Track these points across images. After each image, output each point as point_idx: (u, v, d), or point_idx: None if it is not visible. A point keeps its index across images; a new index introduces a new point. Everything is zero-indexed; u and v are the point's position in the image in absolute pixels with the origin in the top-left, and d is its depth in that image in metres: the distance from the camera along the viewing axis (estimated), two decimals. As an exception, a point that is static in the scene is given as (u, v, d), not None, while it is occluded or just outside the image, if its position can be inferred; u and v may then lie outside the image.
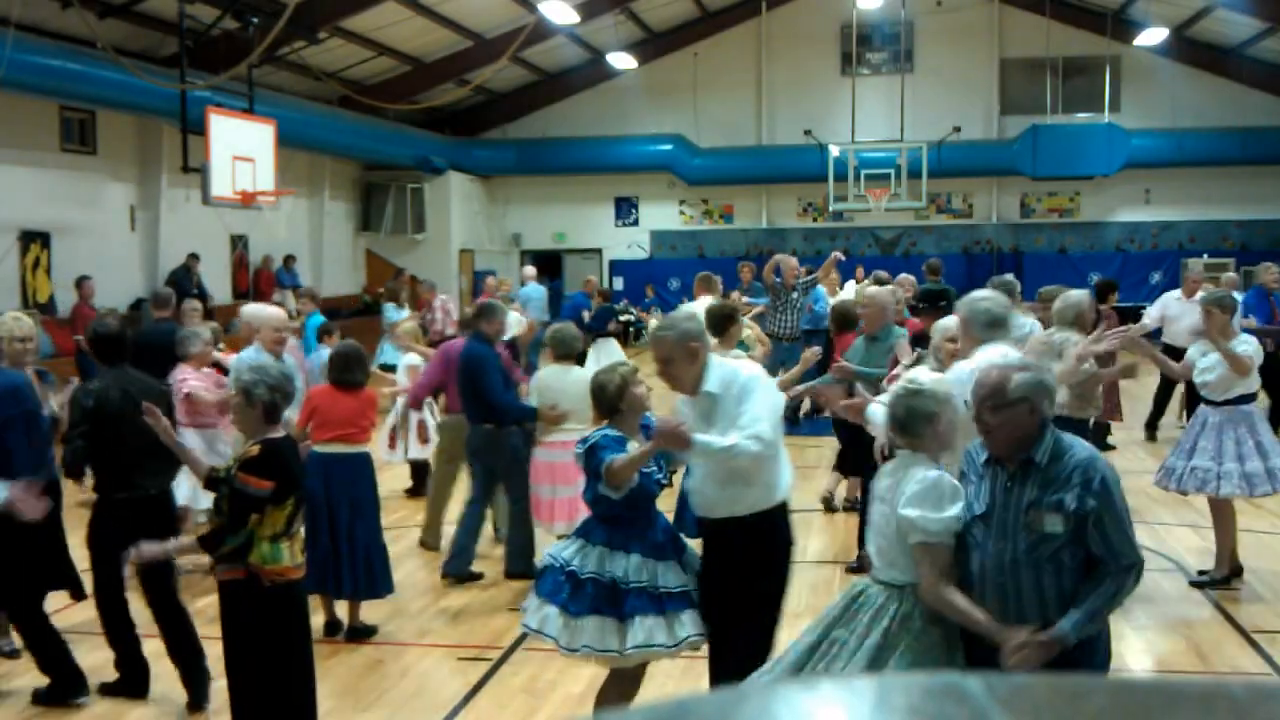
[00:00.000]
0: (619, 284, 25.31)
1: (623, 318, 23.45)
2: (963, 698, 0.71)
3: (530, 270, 17.51)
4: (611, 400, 4.56)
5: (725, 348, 7.17)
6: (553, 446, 7.01)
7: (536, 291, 16.65)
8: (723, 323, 7.52)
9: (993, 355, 4.44)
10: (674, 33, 24.40)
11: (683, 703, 0.74)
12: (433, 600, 7.12)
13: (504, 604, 7.04)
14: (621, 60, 23.14)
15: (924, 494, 3.58)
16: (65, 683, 5.50)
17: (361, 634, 6.47)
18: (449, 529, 7.96)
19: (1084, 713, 0.72)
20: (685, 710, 0.74)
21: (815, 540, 8.32)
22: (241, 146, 14.26)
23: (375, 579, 6.43)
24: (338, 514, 6.30)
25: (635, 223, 25.67)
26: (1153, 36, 21.49)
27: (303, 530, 4.63)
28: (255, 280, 19.66)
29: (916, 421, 3.71)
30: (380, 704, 5.54)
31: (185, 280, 16.56)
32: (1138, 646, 6.30)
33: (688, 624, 4.37)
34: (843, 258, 12.88)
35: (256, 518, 4.29)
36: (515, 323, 13.06)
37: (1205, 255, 22.90)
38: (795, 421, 11.81)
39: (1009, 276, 10.36)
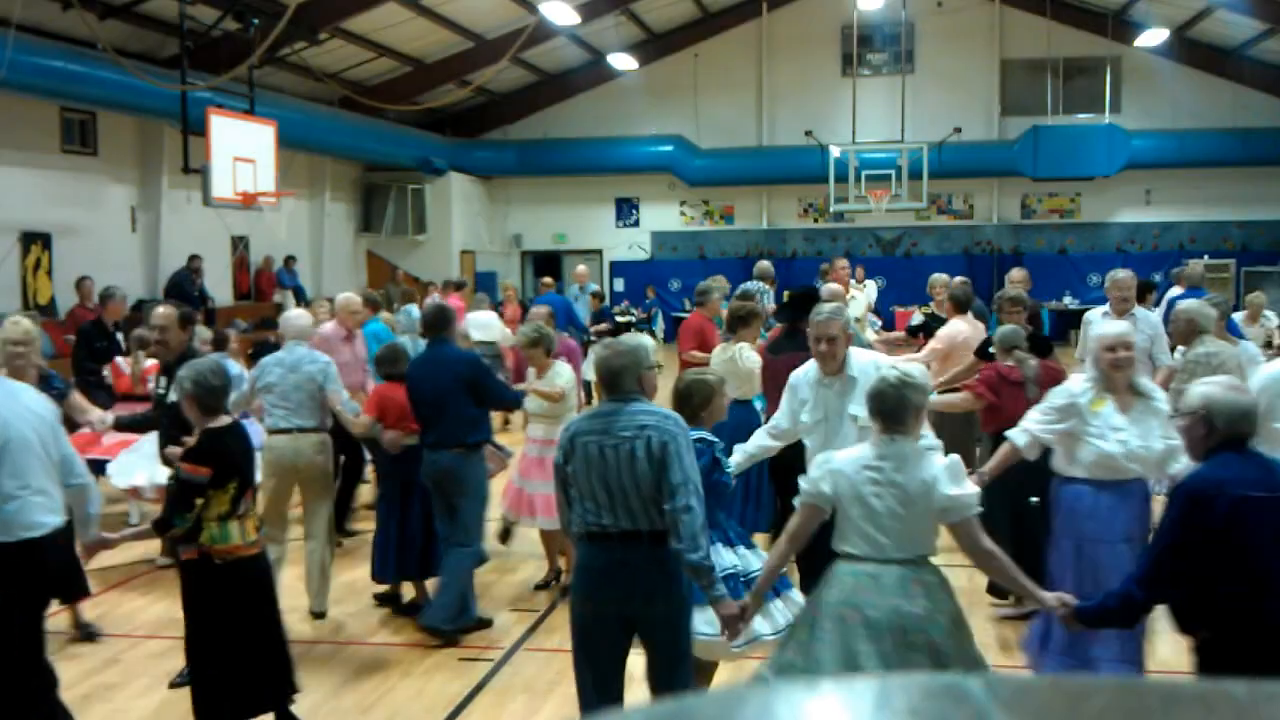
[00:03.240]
0: (620, 285, 25.32)
1: (622, 319, 23.50)
2: (963, 698, 0.71)
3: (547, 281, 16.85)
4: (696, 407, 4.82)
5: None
6: (546, 444, 6.92)
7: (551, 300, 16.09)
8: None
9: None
10: (675, 34, 24.40)
11: (683, 703, 0.74)
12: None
13: (505, 605, 7.04)
14: (622, 61, 23.14)
15: (954, 471, 3.90)
16: None
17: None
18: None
19: (1084, 713, 0.72)
20: (685, 710, 0.74)
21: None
22: (242, 147, 14.27)
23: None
24: (411, 501, 6.68)
25: (636, 224, 25.67)
26: (1153, 37, 21.49)
27: (255, 510, 4.90)
28: (256, 281, 19.67)
29: (906, 411, 3.94)
30: (381, 704, 5.55)
31: (187, 282, 16.57)
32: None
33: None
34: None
35: (201, 501, 4.61)
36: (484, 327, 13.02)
37: (1205, 256, 22.90)
38: None
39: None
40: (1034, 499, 6.18)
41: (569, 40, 22.08)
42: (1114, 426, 4.87)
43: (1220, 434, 3.57)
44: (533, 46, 20.32)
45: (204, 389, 4.73)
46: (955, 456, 4.00)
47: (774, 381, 6.34)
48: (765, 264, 12.47)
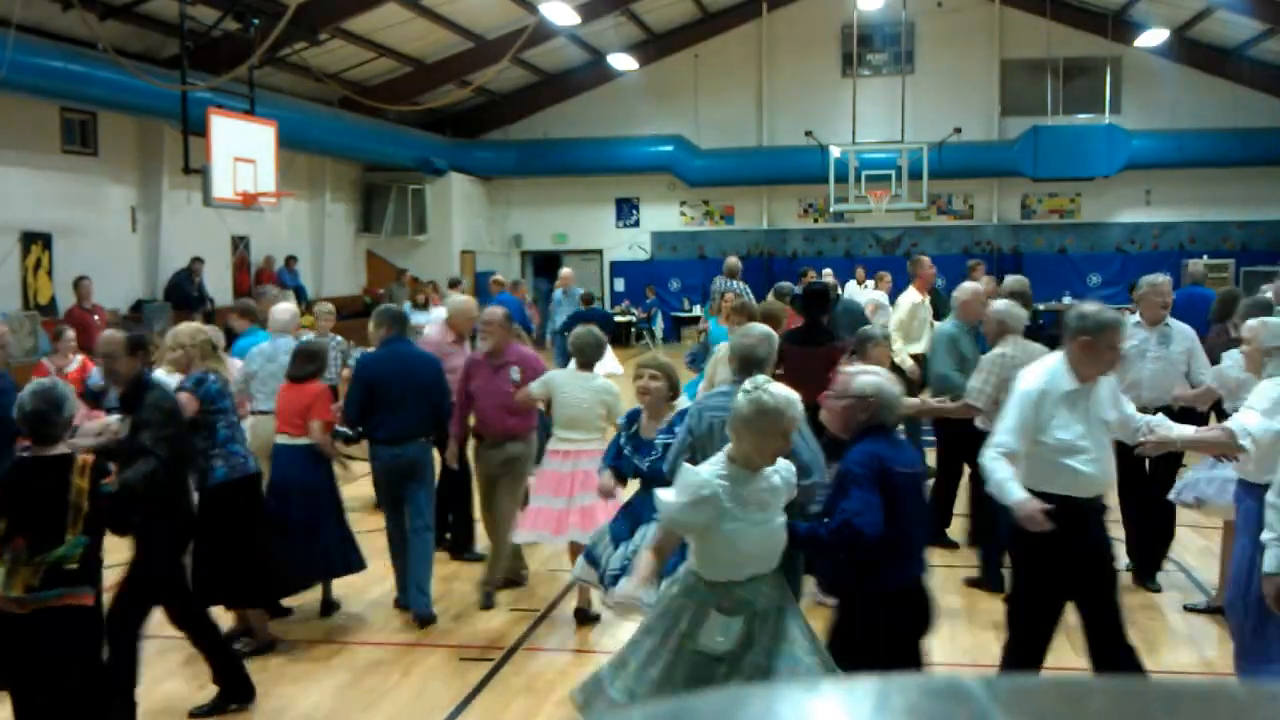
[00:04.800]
0: (620, 285, 25.34)
1: (622, 318, 23.51)
2: (963, 698, 0.71)
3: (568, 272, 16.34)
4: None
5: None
6: (565, 456, 6.66)
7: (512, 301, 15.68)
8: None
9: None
10: (675, 34, 24.40)
11: (683, 703, 0.74)
12: (434, 600, 7.12)
13: (505, 604, 7.04)
14: (622, 61, 23.14)
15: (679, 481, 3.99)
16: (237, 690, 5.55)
17: (333, 608, 6.94)
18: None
19: (1084, 713, 0.72)
20: (685, 710, 0.74)
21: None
22: (242, 148, 14.27)
23: (340, 558, 6.71)
24: (290, 502, 6.55)
25: (636, 224, 25.66)
26: (1153, 38, 21.50)
27: (34, 566, 4.20)
28: (256, 281, 19.66)
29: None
30: (382, 704, 5.55)
31: (187, 283, 16.57)
32: (1138, 647, 6.28)
33: None
34: None
35: None
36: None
37: (1205, 256, 22.91)
38: None
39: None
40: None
41: (569, 40, 22.08)
42: None
43: (875, 419, 4.16)
44: (533, 46, 20.32)
45: (21, 414, 4.30)
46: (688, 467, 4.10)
47: (785, 367, 6.40)
48: (734, 260, 12.72)
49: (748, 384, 4.04)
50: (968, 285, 8.19)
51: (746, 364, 4.96)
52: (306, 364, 6.77)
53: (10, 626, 4.19)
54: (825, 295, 8.23)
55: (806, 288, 8.67)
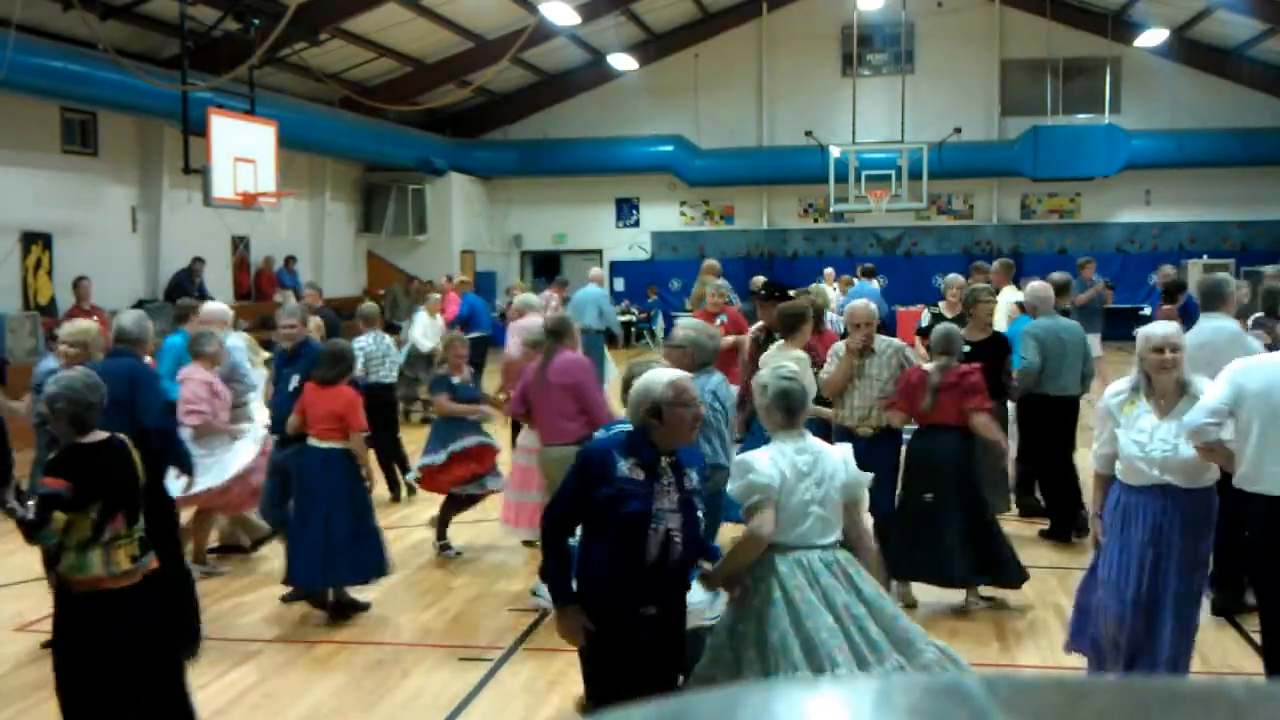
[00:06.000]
0: (620, 285, 25.33)
1: (622, 318, 23.51)
2: (963, 698, 0.71)
3: (596, 271, 15.67)
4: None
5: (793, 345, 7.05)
6: (533, 452, 6.97)
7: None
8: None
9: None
10: (675, 34, 24.41)
11: (683, 702, 0.74)
12: (434, 600, 7.12)
13: (505, 604, 7.05)
14: (622, 61, 23.15)
15: (849, 455, 4.40)
16: None
17: (347, 609, 6.79)
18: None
19: (1084, 713, 0.72)
20: (685, 710, 0.74)
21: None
22: (243, 148, 14.27)
23: (359, 565, 6.69)
24: (318, 506, 6.58)
25: (636, 224, 25.67)
26: (1153, 38, 21.52)
27: (134, 537, 4.39)
28: (256, 281, 19.67)
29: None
30: (382, 704, 5.55)
31: (187, 282, 16.57)
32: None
33: None
34: None
35: (62, 517, 4.23)
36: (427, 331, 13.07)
37: (1205, 256, 22.92)
38: None
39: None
40: (928, 495, 6.50)
41: (569, 40, 22.09)
42: (1139, 428, 4.80)
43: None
44: (533, 46, 20.33)
45: (85, 405, 4.40)
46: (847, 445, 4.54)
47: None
48: (711, 261, 12.93)
49: (784, 369, 4.43)
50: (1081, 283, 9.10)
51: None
52: (335, 365, 6.72)
53: (95, 605, 4.30)
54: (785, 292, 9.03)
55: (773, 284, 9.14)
